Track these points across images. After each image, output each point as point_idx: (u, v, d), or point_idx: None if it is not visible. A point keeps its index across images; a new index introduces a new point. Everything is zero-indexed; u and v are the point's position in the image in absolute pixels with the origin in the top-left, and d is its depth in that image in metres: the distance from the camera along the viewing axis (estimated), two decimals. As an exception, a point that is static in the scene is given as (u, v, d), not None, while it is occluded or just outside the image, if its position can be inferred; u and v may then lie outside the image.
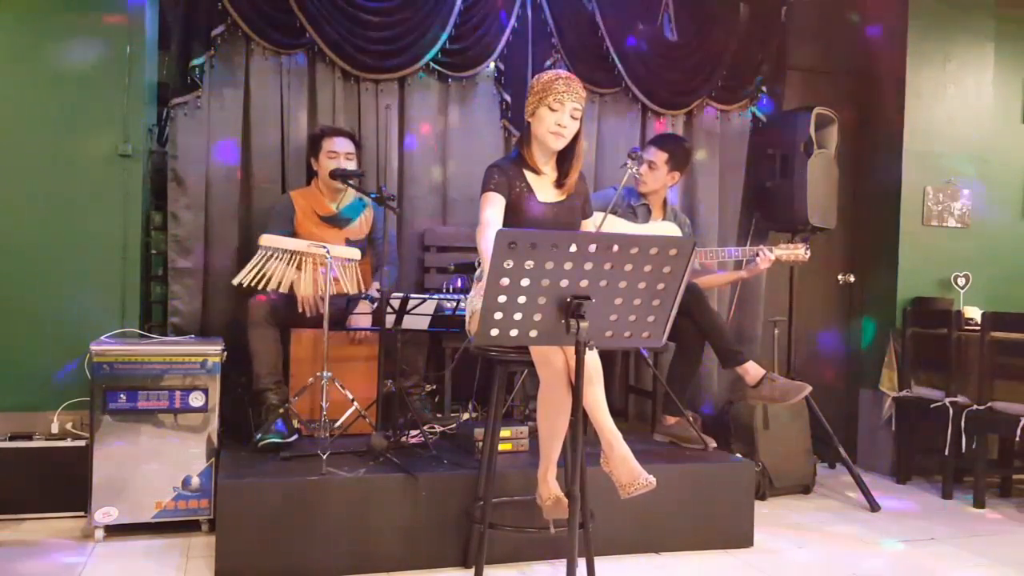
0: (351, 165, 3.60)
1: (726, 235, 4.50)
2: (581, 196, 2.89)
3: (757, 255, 3.70)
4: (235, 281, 3.10)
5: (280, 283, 3.11)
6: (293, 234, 3.47)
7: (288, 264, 3.13)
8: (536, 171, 2.79)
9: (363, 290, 3.34)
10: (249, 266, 3.09)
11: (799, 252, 3.75)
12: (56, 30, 3.48)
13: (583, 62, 4.21)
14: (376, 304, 3.35)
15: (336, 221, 3.62)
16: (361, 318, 3.48)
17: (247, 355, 3.40)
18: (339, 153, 3.58)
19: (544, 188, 2.79)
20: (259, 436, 3.15)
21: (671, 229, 3.69)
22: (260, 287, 3.10)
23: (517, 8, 4.10)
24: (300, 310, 3.39)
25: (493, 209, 2.67)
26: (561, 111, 2.68)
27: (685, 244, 1.93)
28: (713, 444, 3.48)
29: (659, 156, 3.73)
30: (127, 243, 3.58)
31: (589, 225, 2.99)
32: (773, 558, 3.10)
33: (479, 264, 2.80)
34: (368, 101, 3.98)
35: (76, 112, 3.50)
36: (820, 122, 4.22)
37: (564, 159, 2.81)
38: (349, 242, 3.59)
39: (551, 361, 2.43)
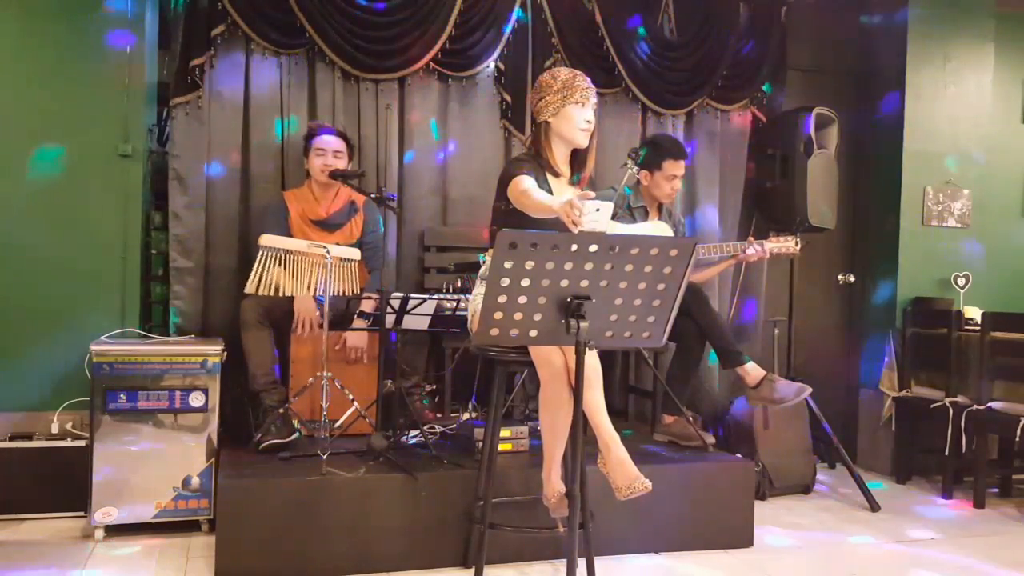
0: (341, 163, 3.58)
1: (726, 235, 4.50)
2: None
3: (750, 245, 3.71)
4: (246, 290, 3.02)
5: (282, 288, 3.06)
6: (288, 235, 3.47)
7: (288, 265, 3.12)
8: (556, 172, 2.74)
9: (360, 291, 3.34)
10: (254, 272, 2.98)
11: (790, 244, 3.76)
12: (56, 30, 3.49)
13: (583, 62, 4.21)
14: (371, 320, 3.36)
15: (327, 225, 3.61)
16: (358, 337, 3.48)
17: (243, 356, 3.40)
18: (327, 150, 3.56)
19: (562, 190, 2.73)
20: (258, 437, 3.15)
21: (661, 229, 3.69)
22: (267, 293, 3.01)
23: (517, 8, 4.10)
24: (294, 327, 3.39)
25: (530, 181, 2.55)
26: (587, 107, 2.67)
27: (686, 244, 1.93)
28: (712, 441, 3.48)
29: (683, 167, 3.73)
30: (127, 243, 3.58)
31: None
32: (773, 558, 3.11)
33: (484, 261, 2.78)
34: (368, 101, 3.98)
35: (76, 112, 3.50)
36: (820, 122, 4.22)
37: (576, 158, 2.79)
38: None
39: (551, 361, 2.43)
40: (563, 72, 2.72)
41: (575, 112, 2.65)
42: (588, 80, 2.71)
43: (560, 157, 2.75)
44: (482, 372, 3.71)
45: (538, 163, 2.71)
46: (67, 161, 3.50)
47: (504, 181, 2.64)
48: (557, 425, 2.53)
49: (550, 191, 2.66)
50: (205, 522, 3.13)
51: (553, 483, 2.62)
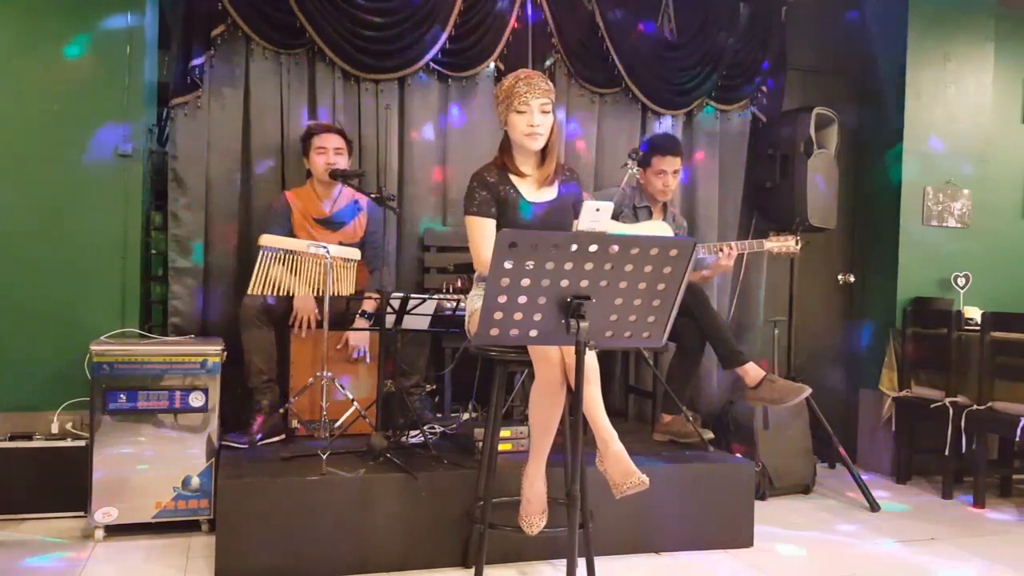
0: (341, 160, 3.59)
1: (726, 235, 4.50)
2: (573, 196, 2.86)
3: (720, 250, 3.69)
4: (249, 291, 3.05)
5: (284, 287, 3.07)
6: (291, 234, 3.47)
7: (288, 265, 3.12)
8: (520, 174, 2.77)
9: (360, 291, 3.34)
10: (255, 272, 3.01)
11: (790, 244, 3.75)
12: (56, 30, 3.48)
13: (583, 62, 4.21)
14: (373, 320, 3.36)
15: (330, 224, 3.61)
16: (359, 336, 3.48)
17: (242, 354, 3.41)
18: (328, 148, 3.56)
19: (531, 189, 2.77)
20: (259, 437, 3.18)
21: (662, 229, 3.70)
22: (271, 293, 3.05)
23: (517, 8, 4.10)
24: (291, 324, 3.39)
25: (485, 236, 2.67)
26: (529, 112, 2.66)
27: (686, 244, 1.93)
28: (710, 435, 3.48)
29: (677, 162, 3.74)
30: (127, 243, 3.58)
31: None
32: (773, 558, 3.11)
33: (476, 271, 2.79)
34: (368, 101, 3.98)
35: (76, 112, 3.50)
36: (820, 122, 4.22)
37: (547, 156, 2.80)
38: (343, 245, 3.59)
39: (549, 358, 2.43)
40: (507, 80, 2.73)
41: (516, 120, 2.68)
42: (534, 81, 2.66)
43: (522, 160, 2.78)
44: (482, 372, 3.71)
45: (502, 168, 2.76)
46: (67, 161, 3.49)
47: (465, 202, 2.75)
48: (549, 422, 2.53)
49: (516, 191, 2.74)
50: (205, 522, 3.13)
51: (538, 487, 2.61)
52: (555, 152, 2.79)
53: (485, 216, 2.70)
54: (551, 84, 2.72)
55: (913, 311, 4.38)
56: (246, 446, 3.18)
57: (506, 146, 2.79)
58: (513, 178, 2.76)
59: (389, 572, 2.80)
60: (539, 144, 2.71)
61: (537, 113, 2.66)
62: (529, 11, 4.15)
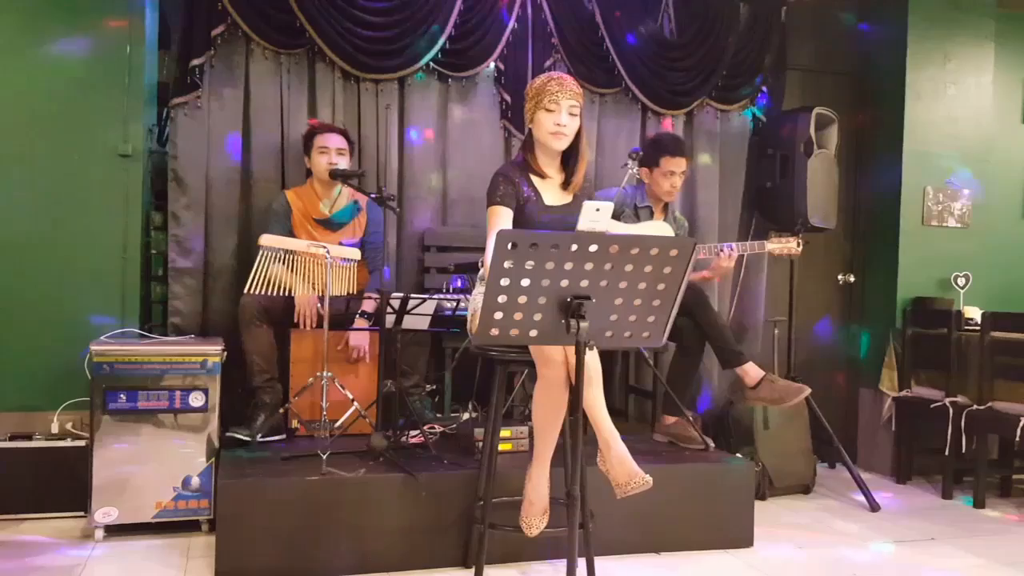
0: (343, 160, 3.59)
1: (726, 235, 4.50)
2: (586, 198, 2.86)
3: (721, 251, 3.69)
4: (246, 289, 3.07)
5: (283, 286, 3.08)
6: (291, 234, 3.47)
7: (288, 264, 3.12)
8: (542, 175, 2.77)
9: (360, 291, 3.34)
10: (254, 271, 3.03)
11: (791, 245, 3.75)
12: (56, 30, 3.48)
13: (583, 62, 4.21)
14: (373, 320, 3.36)
15: (330, 224, 3.62)
16: (359, 336, 3.48)
17: (243, 354, 3.41)
18: (330, 149, 3.56)
19: (551, 192, 2.77)
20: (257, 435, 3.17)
21: (662, 229, 3.70)
22: (267, 292, 3.06)
23: (517, 8, 4.10)
24: (296, 320, 3.39)
25: (500, 225, 2.66)
26: (558, 111, 2.66)
27: (686, 244, 1.93)
28: (712, 445, 3.48)
29: (685, 163, 3.73)
30: (127, 243, 3.58)
31: None
32: (773, 558, 3.11)
33: (483, 264, 2.79)
34: (368, 101, 3.98)
35: (76, 112, 3.50)
36: (820, 122, 4.22)
37: (569, 160, 2.80)
38: (343, 245, 3.59)
39: (552, 359, 2.43)
40: (540, 78, 2.73)
41: (544, 118, 2.68)
42: (567, 83, 2.67)
43: (544, 160, 2.77)
44: (482, 372, 3.71)
45: (523, 168, 2.76)
46: (67, 161, 3.49)
47: (488, 195, 2.72)
48: (554, 421, 2.53)
49: (536, 193, 2.74)
50: (205, 522, 3.13)
51: (541, 489, 2.60)
52: (585, 159, 2.80)
53: (505, 206, 2.69)
54: (582, 89, 2.74)
55: (913, 311, 4.38)
56: (249, 439, 3.18)
57: (529, 145, 2.77)
58: (534, 178, 2.76)
59: (389, 572, 2.80)
60: (562, 145, 2.72)
61: (565, 113, 2.66)
62: (529, 11, 4.15)
